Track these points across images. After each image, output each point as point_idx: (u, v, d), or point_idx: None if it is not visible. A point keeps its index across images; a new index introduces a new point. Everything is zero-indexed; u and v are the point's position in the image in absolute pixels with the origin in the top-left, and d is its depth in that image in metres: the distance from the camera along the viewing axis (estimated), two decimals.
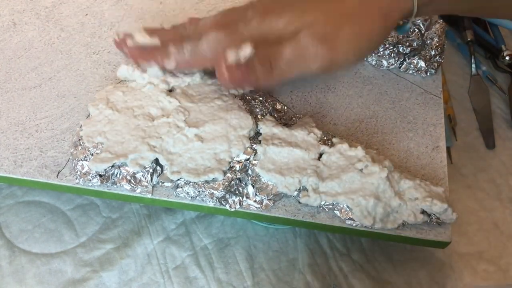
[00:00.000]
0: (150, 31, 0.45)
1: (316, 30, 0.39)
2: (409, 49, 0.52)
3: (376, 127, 0.48)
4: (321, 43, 0.39)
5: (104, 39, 0.53)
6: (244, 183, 0.42)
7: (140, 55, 0.45)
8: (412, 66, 0.52)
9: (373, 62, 0.53)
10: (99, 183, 0.42)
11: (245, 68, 0.39)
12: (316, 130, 0.45)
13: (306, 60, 0.40)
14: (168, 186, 0.43)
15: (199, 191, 0.42)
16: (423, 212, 0.42)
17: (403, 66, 0.52)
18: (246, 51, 0.39)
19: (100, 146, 0.43)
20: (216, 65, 0.40)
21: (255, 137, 0.44)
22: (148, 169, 0.42)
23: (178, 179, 0.42)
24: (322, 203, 0.42)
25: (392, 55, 0.52)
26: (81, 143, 0.43)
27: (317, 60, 0.39)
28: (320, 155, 0.44)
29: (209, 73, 0.48)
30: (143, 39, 0.44)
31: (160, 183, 0.43)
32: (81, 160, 0.42)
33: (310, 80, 0.50)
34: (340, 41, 0.39)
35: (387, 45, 0.52)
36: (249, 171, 0.43)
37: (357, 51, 0.41)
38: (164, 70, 0.45)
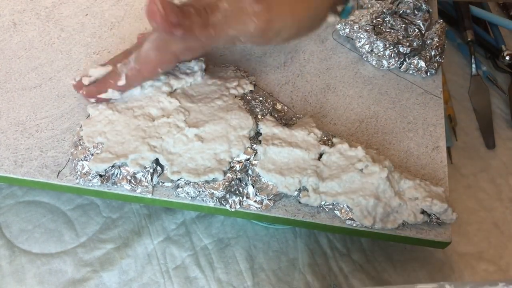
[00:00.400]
0: (104, 64, 0.46)
1: None
2: (409, 49, 0.52)
3: (376, 127, 0.48)
4: (257, 1, 0.39)
5: (104, 39, 0.53)
6: (244, 183, 0.42)
7: (96, 90, 0.45)
8: (412, 66, 0.52)
9: (373, 62, 0.53)
10: (99, 183, 0.42)
11: (180, 12, 0.38)
12: (316, 130, 0.44)
13: (243, 16, 0.39)
14: (168, 186, 0.43)
15: (199, 191, 0.42)
16: (423, 212, 0.42)
17: (403, 66, 0.52)
18: None
19: (100, 146, 0.43)
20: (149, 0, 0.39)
21: (255, 137, 0.44)
22: (148, 169, 0.42)
23: (178, 179, 0.42)
24: (322, 203, 0.42)
25: (392, 55, 0.52)
26: (81, 143, 0.43)
27: (254, 19, 0.39)
28: (320, 155, 0.44)
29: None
30: (96, 71, 0.45)
31: (160, 183, 0.43)
32: (81, 160, 0.42)
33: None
34: (276, 1, 0.39)
35: (388, 45, 0.52)
36: (249, 171, 0.43)
37: (295, 16, 0.40)
38: (119, 90, 0.45)
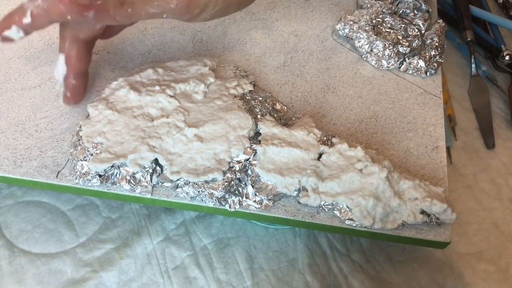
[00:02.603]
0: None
1: None
2: (409, 49, 0.52)
3: (376, 127, 0.48)
4: None
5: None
6: (243, 183, 0.42)
7: (1, 25, 0.41)
8: (412, 66, 0.52)
9: (373, 62, 0.53)
10: (98, 183, 0.42)
11: None
12: (315, 130, 0.44)
13: None
14: (167, 186, 0.43)
15: (198, 191, 0.42)
16: (423, 212, 0.42)
17: (403, 66, 0.52)
18: None
19: (100, 146, 0.43)
20: None
21: (255, 137, 0.44)
22: (148, 169, 0.42)
23: (178, 179, 0.42)
24: (322, 203, 0.42)
25: (392, 55, 0.52)
26: (81, 143, 0.43)
27: None
28: (320, 155, 0.44)
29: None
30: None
31: (160, 183, 0.43)
32: (81, 160, 0.42)
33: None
34: None
35: (387, 45, 0.52)
36: (249, 171, 0.43)
37: None
38: (24, 29, 0.40)
